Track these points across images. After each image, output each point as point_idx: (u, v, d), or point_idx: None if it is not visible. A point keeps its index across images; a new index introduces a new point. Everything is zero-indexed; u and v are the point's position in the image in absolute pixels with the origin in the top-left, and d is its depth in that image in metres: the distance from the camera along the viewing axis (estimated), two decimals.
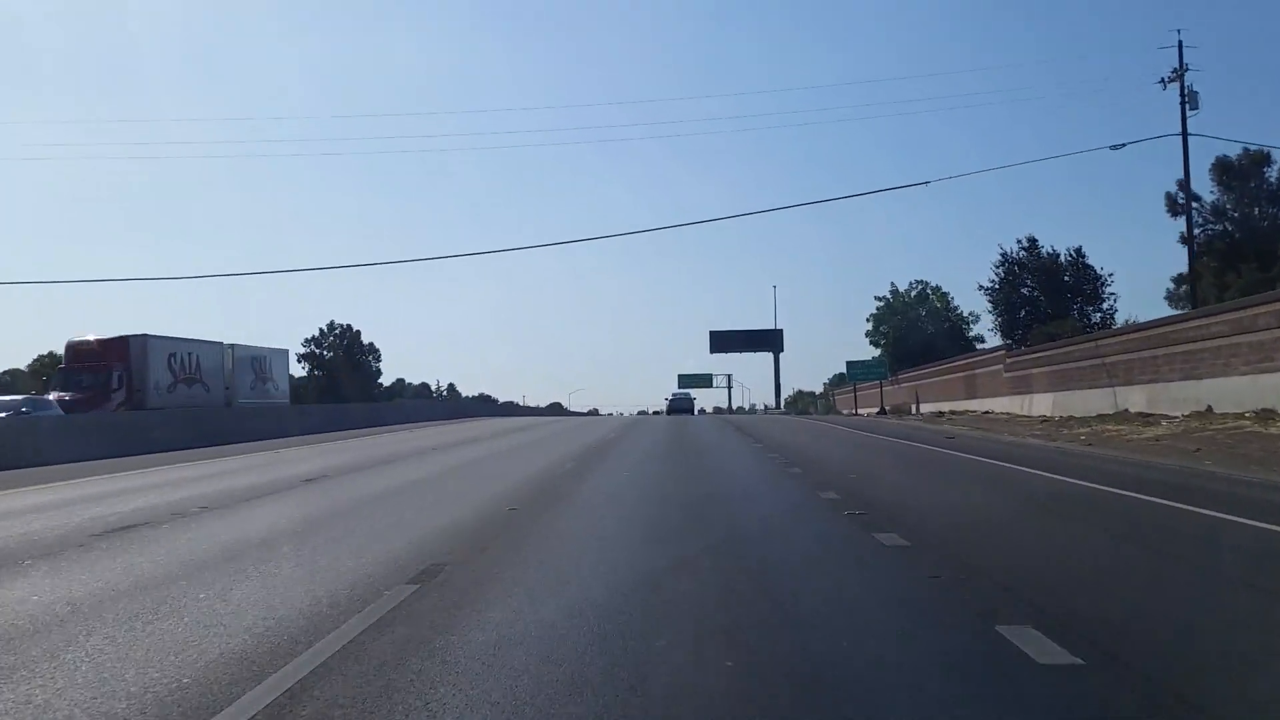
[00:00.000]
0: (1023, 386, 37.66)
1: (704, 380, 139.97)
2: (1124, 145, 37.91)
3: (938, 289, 67.45)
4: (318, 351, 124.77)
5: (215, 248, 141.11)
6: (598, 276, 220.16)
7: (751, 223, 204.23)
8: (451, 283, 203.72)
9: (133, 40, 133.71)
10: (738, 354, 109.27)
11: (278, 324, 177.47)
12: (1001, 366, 40.56)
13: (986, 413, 39.01)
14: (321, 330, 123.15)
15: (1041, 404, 34.86)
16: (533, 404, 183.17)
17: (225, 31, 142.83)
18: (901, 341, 64.01)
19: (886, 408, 53.97)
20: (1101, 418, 27.84)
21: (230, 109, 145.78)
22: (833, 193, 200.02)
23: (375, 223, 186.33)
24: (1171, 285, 52.73)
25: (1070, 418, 29.89)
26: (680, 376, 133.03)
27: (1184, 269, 50.26)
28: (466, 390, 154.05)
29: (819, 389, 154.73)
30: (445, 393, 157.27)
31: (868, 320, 69.98)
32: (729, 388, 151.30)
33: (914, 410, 52.70)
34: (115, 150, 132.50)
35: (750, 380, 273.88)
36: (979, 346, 61.93)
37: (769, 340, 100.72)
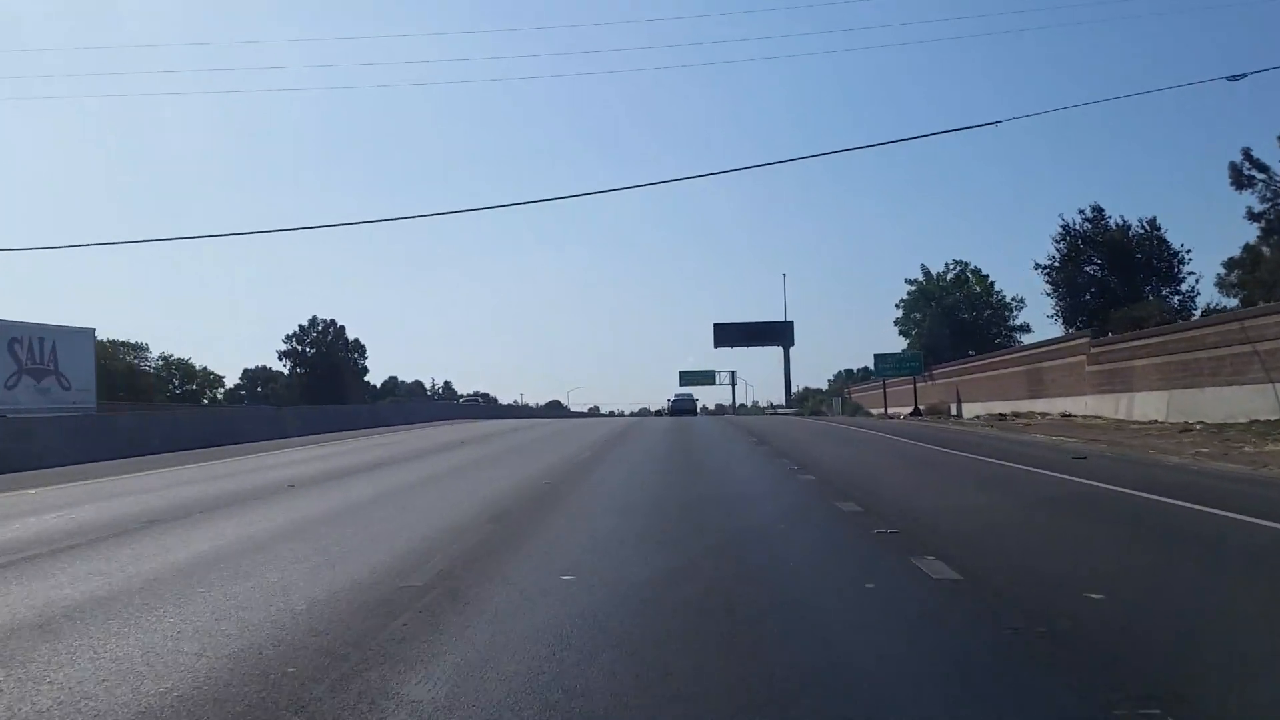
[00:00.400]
0: (1116, 383, 29.46)
1: (706, 377, 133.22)
2: (1244, 76, 29.58)
3: (977, 271, 58.75)
4: (299, 349, 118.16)
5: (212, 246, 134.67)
6: (597, 271, 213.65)
7: (757, 209, 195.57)
8: (450, 279, 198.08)
9: (123, 18, 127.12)
10: (744, 349, 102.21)
11: (263, 321, 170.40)
12: (1084, 358, 32.28)
13: (1066, 415, 30.84)
14: (302, 326, 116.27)
15: (1148, 405, 26.68)
16: (530, 402, 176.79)
17: (217, 21, 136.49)
18: (936, 331, 55.36)
19: (921, 408, 45.87)
20: (1261, 424, 19.83)
21: (226, 107, 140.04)
22: (839, 181, 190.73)
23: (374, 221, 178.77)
24: (1222, 270, 43.88)
25: (1202, 424, 21.85)
26: (682, 374, 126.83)
27: (1236, 253, 42.30)
28: (464, 388, 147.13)
29: (823, 385, 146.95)
30: (440, 391, 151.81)
31: (897, 306, 61.03)
32: (733, 385, 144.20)
33: (953, 411, 44.56)
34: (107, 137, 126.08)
35: (754, 377, 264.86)
36: (1022, 338, 53.70)
37: (778, 333, 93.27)
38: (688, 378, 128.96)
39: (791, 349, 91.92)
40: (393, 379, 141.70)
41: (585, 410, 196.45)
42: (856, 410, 48.57)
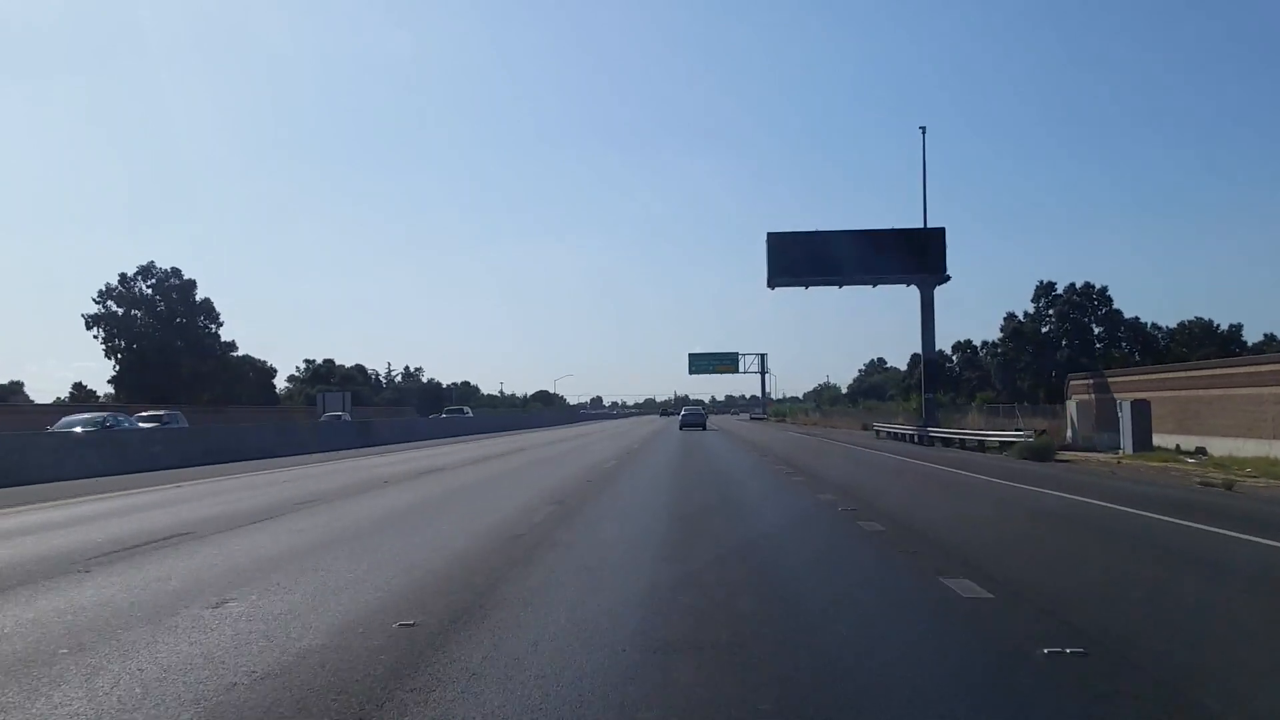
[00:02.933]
0: None
1: (725, 360, 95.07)
2: None
3: None
4: (119, 311, 77.77)
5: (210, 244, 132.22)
6: (593, 244, 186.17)
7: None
8: (441, 262, 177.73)
9: None
10: (827, 288, 44.47)
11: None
12: None
13: None
14: (126, 276, 78.04)
15: None
16: (515, 391, 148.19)
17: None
18: None
19: None
20: None
21: (223, 104, 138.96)
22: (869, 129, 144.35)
23: (380, 211, 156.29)
24: None
25: None
26: (691, 357, 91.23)
27: None
28: (433, 375, 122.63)
29: (838, 381, 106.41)
30: (399, 379, 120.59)
31: None
32: (762, 372, 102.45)
33: None
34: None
35: (786, 359, 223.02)
36: None
37: (914, 251, 40.13)
38: (699, 362, 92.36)
39: (941, 287, 40.99)
40: (328, 362, 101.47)
41: (588, 402, 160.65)
42: None
